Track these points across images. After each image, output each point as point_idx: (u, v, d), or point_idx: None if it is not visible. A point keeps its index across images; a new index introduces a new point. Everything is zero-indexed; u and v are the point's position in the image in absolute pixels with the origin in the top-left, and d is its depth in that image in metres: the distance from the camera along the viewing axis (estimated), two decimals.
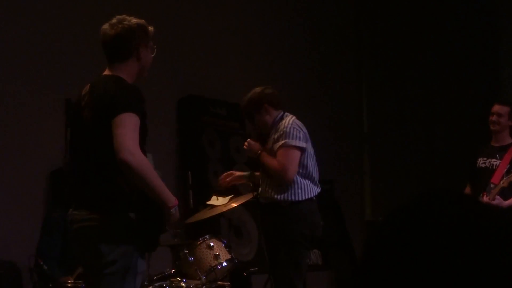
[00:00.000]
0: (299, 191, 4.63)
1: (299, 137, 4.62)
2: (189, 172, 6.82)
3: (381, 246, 0.97)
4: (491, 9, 8.53)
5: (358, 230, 8.60)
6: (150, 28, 3.51)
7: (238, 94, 7.67)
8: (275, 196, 4.63)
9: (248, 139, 4.84)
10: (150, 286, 4.52)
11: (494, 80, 8.46)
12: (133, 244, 3.29)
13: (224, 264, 4.68)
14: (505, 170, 5.47)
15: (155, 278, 4.67)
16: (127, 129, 3.16)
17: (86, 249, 3.36)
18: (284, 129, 4.63)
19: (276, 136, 4.66)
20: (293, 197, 4.61)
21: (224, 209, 4.91)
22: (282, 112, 4.80)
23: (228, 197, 5.04)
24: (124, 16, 3.46)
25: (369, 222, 8.83)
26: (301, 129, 4.68)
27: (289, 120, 4.71)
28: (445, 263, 0.91)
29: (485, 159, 5.63)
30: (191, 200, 6.67)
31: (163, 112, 6.90)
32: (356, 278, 0.99)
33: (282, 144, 4.60)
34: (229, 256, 4.72)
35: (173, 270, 4.73)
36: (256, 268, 6.23)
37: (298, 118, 4.81)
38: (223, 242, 4.78)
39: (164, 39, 6.99)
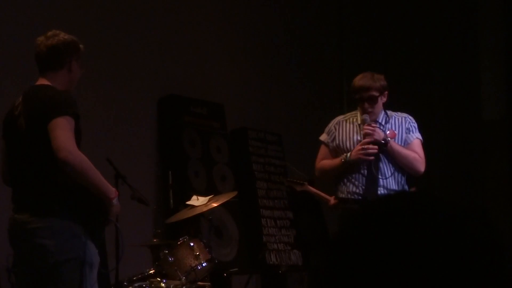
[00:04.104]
0: None
1: None
2: (169, 172, 6.80)
3: (349, 239, 1.04)
4: (470, 9, 8.69)
5: None
6: (81, 46, 3.68)
7: (219, 94, 7.70)
8: (406, 186, 4.50)
9: (372, 124, 4.48)
10: (130, 286, 4.50)
11: (474, 78, 8.57)
12: (80, 238, 3.37)
13: (204, 264, 4.67)
14: None
15: (134, 278, 4.64)
16: (64, 130, 3.30)
17: (33, 250, 3.40)
18: (413, 123, 4.57)
19: (406, 125, 4.55)
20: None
21: (205, 209, 4.90)
22: None
23: (208, 197, 5.04)
24: (58, 31, 3.64)
25: None
26: None
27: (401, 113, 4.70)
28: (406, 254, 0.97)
29: None
30: (171, 200, 6.65)
31: (143, 111, 6.88)
32: (326, 266, 1.03)
33: (418, 136, 4.56)
34: (209, 256, 4.72)
35: (153, 271, 4.71)
36: (236, 269, 6.22)
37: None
38: (203, 242, 4.77)
39: (145, 38, 6.98)
